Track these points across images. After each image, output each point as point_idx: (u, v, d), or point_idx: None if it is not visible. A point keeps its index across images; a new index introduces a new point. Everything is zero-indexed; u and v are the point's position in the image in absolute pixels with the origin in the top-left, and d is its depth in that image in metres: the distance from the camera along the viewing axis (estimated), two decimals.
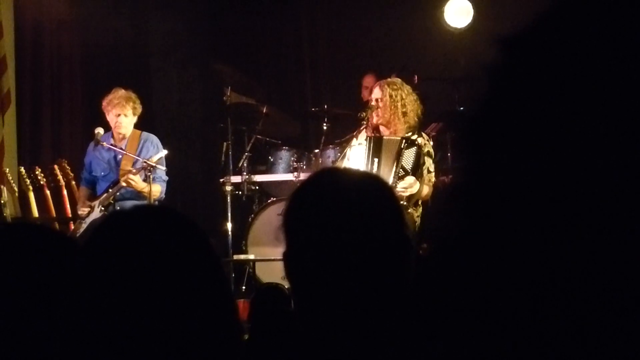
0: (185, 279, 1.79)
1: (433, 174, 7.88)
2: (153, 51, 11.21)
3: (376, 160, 7.70)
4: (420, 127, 7.91)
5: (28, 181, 8.64)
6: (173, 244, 1.82)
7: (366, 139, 7.80)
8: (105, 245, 1.83)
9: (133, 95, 8.35)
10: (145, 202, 8.01)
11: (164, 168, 8.24)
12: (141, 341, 1.73)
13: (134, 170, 8.08)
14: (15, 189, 8.63)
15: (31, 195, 8.59)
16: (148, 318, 1.74)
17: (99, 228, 1.88)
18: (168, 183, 8.42)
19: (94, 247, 1.85)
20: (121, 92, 8.33)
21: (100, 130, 8.35)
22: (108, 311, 1.75)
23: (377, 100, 7.79)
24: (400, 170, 7.63)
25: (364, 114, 7.82)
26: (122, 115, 8.28)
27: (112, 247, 1.81)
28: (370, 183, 2.12)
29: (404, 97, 7.79)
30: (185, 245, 1.84)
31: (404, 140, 7.64)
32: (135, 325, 1.73)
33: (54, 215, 8.68)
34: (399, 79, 8.07)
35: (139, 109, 8.38)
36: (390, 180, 7.45)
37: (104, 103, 8.34)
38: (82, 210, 8.40)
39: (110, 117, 8.34)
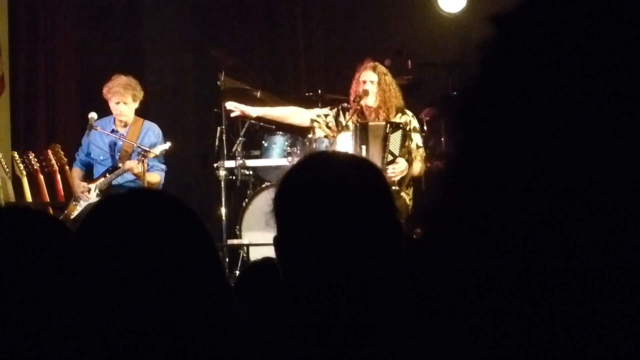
0: (179, 263, 1.79)
1: (423, 148, 7.92)
2: (147, 36, 11.17)
3: (364, 147, 7.74)
4: (405, 107, 7.98)
5: (22, 166, 8.63)
6: (167, 228, 1.82)
7: (352, 125, 7.83)
8: (99, 228, 1.83)
9: (133, 82, 8.34)
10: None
11: (162, 158, 8.26)
12: (135, 325, 1.73)
13: (138, 158, 8.07)
14: (9, 174, 8.61)
15: (24, 180, 8.58)
16: (142, 302, 1.74)
17: (93, 211, 1.88)
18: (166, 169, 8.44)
19: (89, 230, 1.85)
20: (121, 79, 8.32)
21: (93, 115, 8.34)
22: (102, 295, 1.74)
23: (371, 82, 7.82)
24: (388, 155, 7.66)
25: (359, 98, 7.84)
26: (122, 103, 8.28)
27: (106, 230, 1.81)
28: (360, 166, 2.12)
29: (391, 80, 7.89)
30: (180, 229, 1.84)
31: (388, 125, 7.70)
32: (129, 309, 1.73)
33: (48, 200, 8.67)
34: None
35: (140, 96, 8.38)
36: (379, 165, 7.49)
37: (105, 90, 8.34)
38: (82, 190, 8.36)
39: (112, 105, 8.35)
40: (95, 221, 1.86)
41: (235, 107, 8.38)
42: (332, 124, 8.01)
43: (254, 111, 8.46)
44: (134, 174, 8.09)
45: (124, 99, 8.27)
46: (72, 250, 1.85)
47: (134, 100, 8.34)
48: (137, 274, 1.75)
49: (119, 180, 8.18)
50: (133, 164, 8.04)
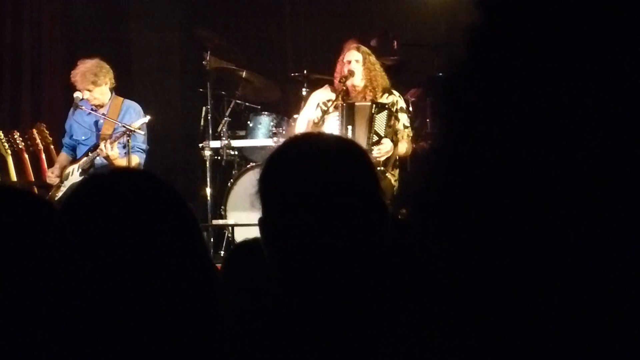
0: (163, 242, 1.79)
1: (410, 128, 7.93)
2: (133, 15, 11.13)
3: (350, 127, 7.74)
4: (391, 87, 7.98)
5: (6, 145, 8.59)
6: (150, 208, 1.83)
7: (339, 105, 7.84)
8: (82, 208, 1.83)
9: (94, 68, 8.26)
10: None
11: (144, 133, 8.19)
12: (118, 305, 1.73)
13: (112, 139, 8.03)
14: None
15: (9, 159, 8.55)
16: (126, 282, 1.74)
17: (76, 191, 1.88)
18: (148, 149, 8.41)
19: (72, 209, 1.85)
20: (82, 66, 8.27)
21: (79, 94, 8.31)
22: (86, 275, 1.74)
23: (356, 61, 7.82)
24: (374, 135, 7.67)
25: (344, 79, 7.84)
26: (85, 90, 8.25)
27: (89, 210, 1.81)
28: (345, 147, 2.12)
29: (375, 60, 7.90)
30: (163, 209, 1.84)
31: (374, 105, 7.71)
32: (113, 289, 1.73)
33: (33, 180, 8.64)
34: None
35: (103, 79, 8.29)
36: (364, 146, 7.50)
37: (71, 77, 8.32)
38: (50, 179, 8.39)
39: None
40: (78, 201, 1.86)
41: None
42: (318, 117, 7.99)
43: None
44: (104, 157, 8.04)
45: (84, 87, 8.24)
46: (55, 230, 1.85)
47: (97, 85, 8.26)
48: (119, 254, 1.75)
49: (102, 159, 8.16)
50: (102, 147, 8.00)
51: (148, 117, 8.26)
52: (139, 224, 1.79)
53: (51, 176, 8.43)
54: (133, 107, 8.45)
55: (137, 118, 8.29)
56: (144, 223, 1.79)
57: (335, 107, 7.92)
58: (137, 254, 1.76)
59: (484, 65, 0.92)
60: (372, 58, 7.93)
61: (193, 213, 1.91)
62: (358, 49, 7.96)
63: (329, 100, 8.00)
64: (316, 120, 7.93)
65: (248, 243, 2.98)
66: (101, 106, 8.35)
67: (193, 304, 1.81)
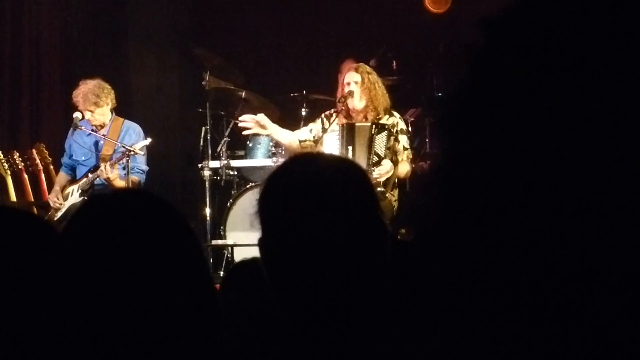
0: (165, 263, 1.79)
1: (410, 150, 7.93)
2: (132, 35, 11.16)
3: (350, 148, 7.74)
4: (391, 108, 7.98)
5: (6, 165, 8.59)
6: (152, 228, 1.83)
7: (338, 125, 7.83)
8: (85, 229, 1.83)
9: (96, 89, 8.26)
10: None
11: (143, 153, 8.20)
12: (120, 324, 1.73)
13: (112, 161, 8.03)
14: None
15: (9, 179, 8.55)
16: (127, 302, 1.74)
17: (79, 212, 1.88)
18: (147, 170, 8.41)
19: (74, 231, 1.85)
20: (84, 87, 8.27)
21: (78, 115, 8.31)
22: (87, 295, 1.74)
23: (355, 82, 7.80)
24: (374, 156, 7.67)
25: (344, 98, 7.83)
26: (87, 111, 8.25)
27: (91, 231, 1.81)
28: (344, 168, 2.12)
29: (376, 78, 7.88)
30: (165, 230, 1.84)
31: (374, 126, 7.69)
32: (113, 308, 1.73)
33: (32, 200, 8.64)
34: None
35: (105, 100, 8.29)
36: (364, 167, 7.50)
37: (72, 98, 8.32)
38: (53, 201, 8.38)
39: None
40: (80, 222, 1.86)
41: (252, 120, 7.84)
42: (318, 135, 7.95)
43: (270, 126, 7.92)
44: (104, 179, 8.03)
45: (86, 108, 8.23)
46: (58, 250, 1.85)
47: (98, 106, 8.26)
48: (122, 274, 1.75)
49: (102, 180, 8.15)
50: (102, 169, 7.99)
51: (149, 140, 8.26)
52: (141, 244, 1.79)
53: (54, 199, 8.40)
54: (133, 127, 8.45)
55: (137, 139, 8.29)
56: (146, 243, 1.79)
57: (335, 122, 7.91)
58: (139, 274, 1.76)
59: (483, 85, 0.92)
60: (372, 77, 7.88)
61: (194, 234, 1.91)
62: (357, 70, 7.91)
63: (331, 115, 7.99)
64: (316, 138, 7.92)
65: (246, 263, 2.98)
66: (102, 127, 8.34)
67: (193, 323, 1.80)
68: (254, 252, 2.08)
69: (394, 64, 9.81)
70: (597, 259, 0.83)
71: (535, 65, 0.87)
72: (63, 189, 8.46)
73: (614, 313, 0.83)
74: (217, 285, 2.87)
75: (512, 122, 0.87)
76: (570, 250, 0.84)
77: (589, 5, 0.87)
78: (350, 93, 7.80)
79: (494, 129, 0.89)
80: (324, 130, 7.94)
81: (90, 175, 8.24)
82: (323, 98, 9.36)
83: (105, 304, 1.74)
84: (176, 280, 1.80)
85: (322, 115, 8.09)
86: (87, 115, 8.25)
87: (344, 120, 7.91)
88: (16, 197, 8.53)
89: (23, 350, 1.99)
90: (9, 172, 8.57)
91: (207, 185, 8.92)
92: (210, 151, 9.10)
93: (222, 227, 8.62)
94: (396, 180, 7.85)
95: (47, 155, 8.89)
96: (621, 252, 0.83)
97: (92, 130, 8.32)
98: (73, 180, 8.50)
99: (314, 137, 7.96)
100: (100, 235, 1.79)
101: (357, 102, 7.80)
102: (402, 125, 7.95)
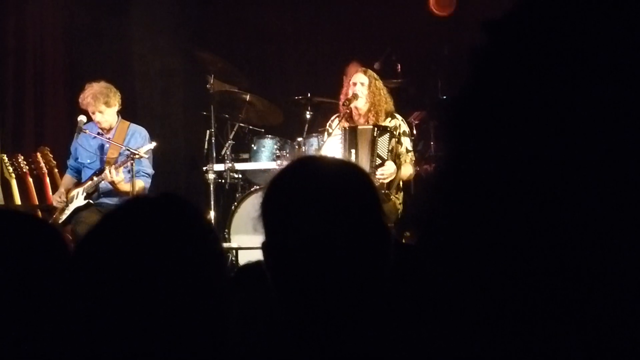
0: (192, 265, 1.82)
1: (413, 152, 7.95)
2: (136, 39, 11.16)
3: (353, 151, 7.76)
4: (395, 111, 8.02)
5: (10, 169, 8.61)
6: (181, 232, 1.86)
7: (341, 129, 7.86)
8: (120, 235, 1.85)
9: (104, 89, 8.27)
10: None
11: (148, 157, 8.20)
12: (142, 323, 1.75)
13: (117, 164, 8.03)
14: None
15: (13, 182, 8.56)
16: (151, 302, 1.76)
17: (113, 214, 1.90)
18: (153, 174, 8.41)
19: (110, 232, 1.86)
20: (92, 88, 8.27)
21: (82, 118, 8.32)
22: (112, 296, 1.76)
23: (362, 84, 7.86)
24: (377, 159, 7.69)
25: (348, 101, 7.86)
26: (97, 112, 8.25)
27: (125, 238, 1.83)
28: (347, 171, 2.11)
29: (382, 85, 7.96)
30: (192, 233, 1.88)
31: (375, 129, 7.73)
32: (137, 307, 1.75)
33: (37, 203, 8.65)
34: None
35: (114, 100, 8.31)
36: (367, 169, 7.52)
37: (80, 101, 8.32)
38: (57, 201, 8.39)
39: (90, 114, 8.33)
40: (116, 225, 1.88)
41: None
42: None
43: None
44: (109, 182, 8.04)
45: (96, 109, 8.23)
46: (63, 253, 1.86)
47: (109, 106, 8.28)
48: (150, 273, 1.79)
49: (107, 183, 8.15)
50: (107, 172, 8.00)
51: (154, 144, 8.26)
52: (169, 250, 1.82)
53: (57, 199, 8.42)
54: (139, 131, 8.45)
55: (143, 142, 8.29)
56: (174, 250, 1.82)
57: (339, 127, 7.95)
58: (164, 277, 1.78)
59: (487, 87, 0.92)
60: (379, 83, 7.98)
61: (220, 242, 1.95)
62: (365, 72, 8.01)
63: (332, 121, 8.04)
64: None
65: (251, 266, 2.99)
66: (109, 129, 8.35)
67: (208, 325, 1.83)
68: (259, 255, 2.08)
69: (399, 66, 9.80)
70: (605, 264, 0.83)
71: (540, 68, 0.87)
72: (68, 191, 8.46)
73: (621, 316, 0.83)
74: None
75: (516, 125, 0.87)
76: (574, 253, 0.84)
77: (594, 9, 0.87)
78: (355, 96, 7.85)
79: (498, 132, 0.89)
80: (329, 134, 7.98)
81: (95, 178, 8.24)
82: (327, 101, 9.35)
83: (128, 305, 1.76)
84: (198, 281, 1.82)
85: (327, 126, 8.17)
86: (98, 116, 8.25)
87: (346, 124, 7.94)
88: (21, 200, 8.54)
89: (26, 350, 1.99)
90: (13, 175, 8.59)
91: (211, 189, 8.91)
92: (214, 154, 9.09)
93: (226, 230, 8.62)
94: (401, 182, 7.86)
95: (52, 159, 8.90)
96: (628, 258, 0.82)
97: (98, 133, 8.33)
98: (78, 182, 8.51)
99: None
100: (131, 240, 1.82)
101: (361, 103, 7.85)
102: (404, 127, 7.98)
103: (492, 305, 0.88)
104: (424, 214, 0.99)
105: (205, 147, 9.34)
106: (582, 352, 0.84)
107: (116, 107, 8.36)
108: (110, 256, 1.81)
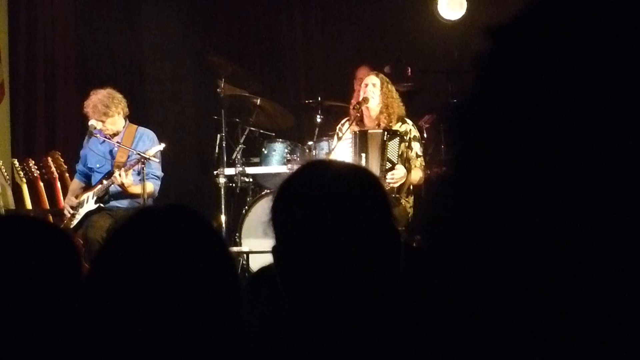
0: (203, 274, 1.83)
1: (422, 157, 7.95)
2: (147, 43, 11.18)
3: (363, 155, 7.76)
4: (405, 115, 8.02)
5: (21, 173, 8.62)
6: (191, 242, 1.87)
7: (351, 133, 7.86)
8: (129, 249, 1.85)
9: (105, 99, 8.25)
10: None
11: (158, 160, 8.20)
12: (157, 329, 1.76)
13: (126, 167, 8.04)
14: (9, 181, 8.61)
15: (24, 187, 8.58)
16: (166, 309, 1.77)
17: (129, 223, 1.91)
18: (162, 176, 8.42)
19: (119, 250, 1.87)
20: (92, 98, 8.26)
21: (94, 123, 8.32)
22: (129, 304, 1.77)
23: (374, 85, 7.86)
24: (387, 162, 7.69)
25: (359, 105, 7.87)
26: (99, 121, 8.25)
27: (135, 252, 1.84)
28: (357, 175, 2.11)
29: (393, 88, 7.96)
30: (202, 243, 1.88)
31: (385, 133, 7.72)
32: (151, 320, 1.76)
33: (47, 208, 8.66)
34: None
35: (115, 110, 8.28)
36: (377, 173, 7.52)
37: (84, 109, 8.33)
38: (67, 210, 8.39)
39: None
40: (125, 239, 1.89)
41: None
42: None
43: None
44: (119, 185, 8.04)
45: (96, 118, 8.24)
46: (103, 261, 1.88)
47: (108, 116, 8.25)
48: (162, 281, 1.80)
49: (117, 186, 8.16)
50: (117, 175, 8.00)
51: (163, 145, 8.26)
52: (181, 260, 1.83)
53: (68, 208, 8.41)
54: (147, 134, 8.45)
55: (151, 145, 8.29)
56: (185, 259, 1.83)
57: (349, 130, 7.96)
58: (177, 290, 1.80)
59: (496, 92, 0.92)
60: (391, 86, 7.97)
61: (230, 251, 1.96)
62: (377, 75, 8.02)
63: (343, 125, 8.05)
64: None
65: (266, 270, 3.00)
66: (115, 134, 8.36)
67: (223, 333, 1.84)
68: (270, 259, 2.09)
69: (409, 70, 9.79)
70: (614, 267, 0.83)
71: (548, 73, 0.87)
72: (77, 196, 8.47)
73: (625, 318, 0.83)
74: None
75: (526, 129, 0.87)
76: (587, 259, 0.84)
77: (603, 13, 0.87)
78: (365, 99, 7.85)
79: (508, 136, 0.89)
80: (339, 138, 7.98)
81: (105, 181, 8.25)
82: (338, 105, 9.36)
83: (142, 307, 1.77)
84: (210, 291, 1.83)
85: (337, 129, 8.17)
86: (99, 125, 8.25)
87: (357, 128, 7.94)
88: (32, 205, 8.56)
89: (37, 354, 2.00)
90: (24, 180, 8.60)
91: (222, 192, 8.91)
92: (225, 158, 9.09)
93: (237, 234, 8.62)
94: (411, 186, 7.86)
95: (63, 163, 8.91)
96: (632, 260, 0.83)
97: (106, 137, 8.33)
98: (87, 187, 8.52)
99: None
100: (147, 247, 1.84)
101: (374, 104, 7.85)
102: (415, 132, 7.97)
103: (503, 310, 0.88)
104: (434, 217, 0.99)
105: (216, 151, 9.34)
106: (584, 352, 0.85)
107: (119, 116, 8.34)
108: (122, 272, 1.82)
